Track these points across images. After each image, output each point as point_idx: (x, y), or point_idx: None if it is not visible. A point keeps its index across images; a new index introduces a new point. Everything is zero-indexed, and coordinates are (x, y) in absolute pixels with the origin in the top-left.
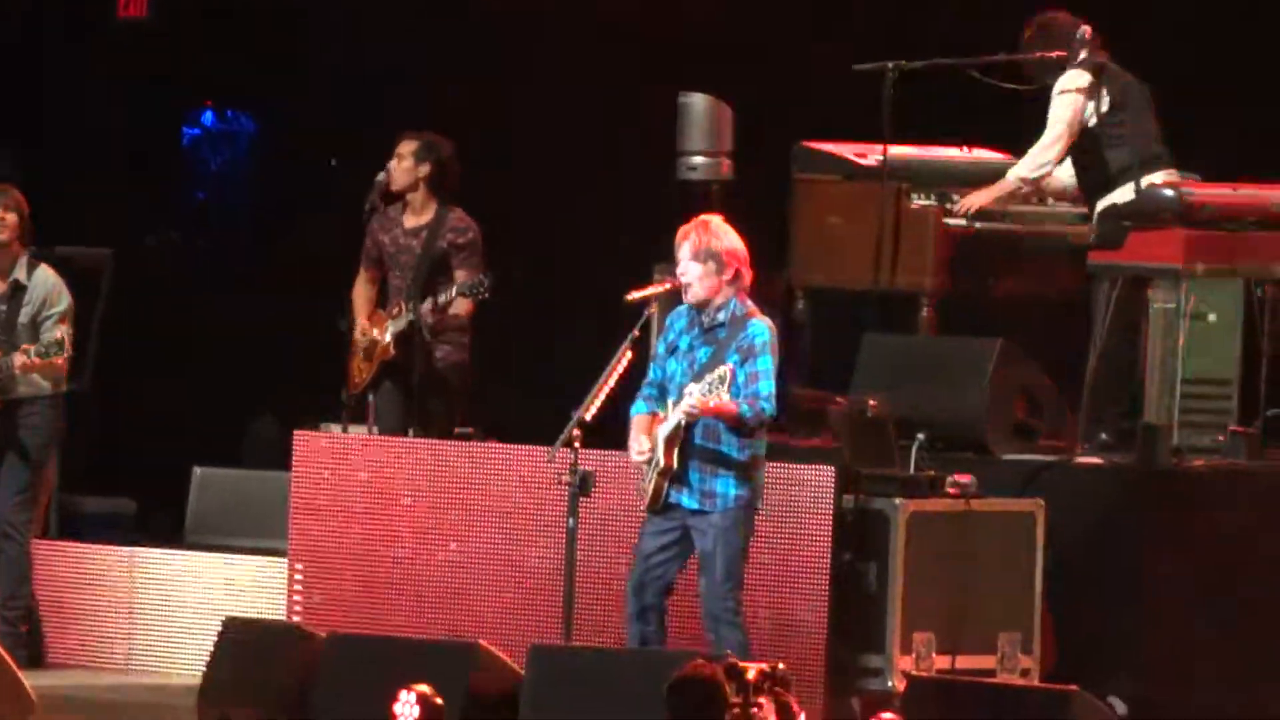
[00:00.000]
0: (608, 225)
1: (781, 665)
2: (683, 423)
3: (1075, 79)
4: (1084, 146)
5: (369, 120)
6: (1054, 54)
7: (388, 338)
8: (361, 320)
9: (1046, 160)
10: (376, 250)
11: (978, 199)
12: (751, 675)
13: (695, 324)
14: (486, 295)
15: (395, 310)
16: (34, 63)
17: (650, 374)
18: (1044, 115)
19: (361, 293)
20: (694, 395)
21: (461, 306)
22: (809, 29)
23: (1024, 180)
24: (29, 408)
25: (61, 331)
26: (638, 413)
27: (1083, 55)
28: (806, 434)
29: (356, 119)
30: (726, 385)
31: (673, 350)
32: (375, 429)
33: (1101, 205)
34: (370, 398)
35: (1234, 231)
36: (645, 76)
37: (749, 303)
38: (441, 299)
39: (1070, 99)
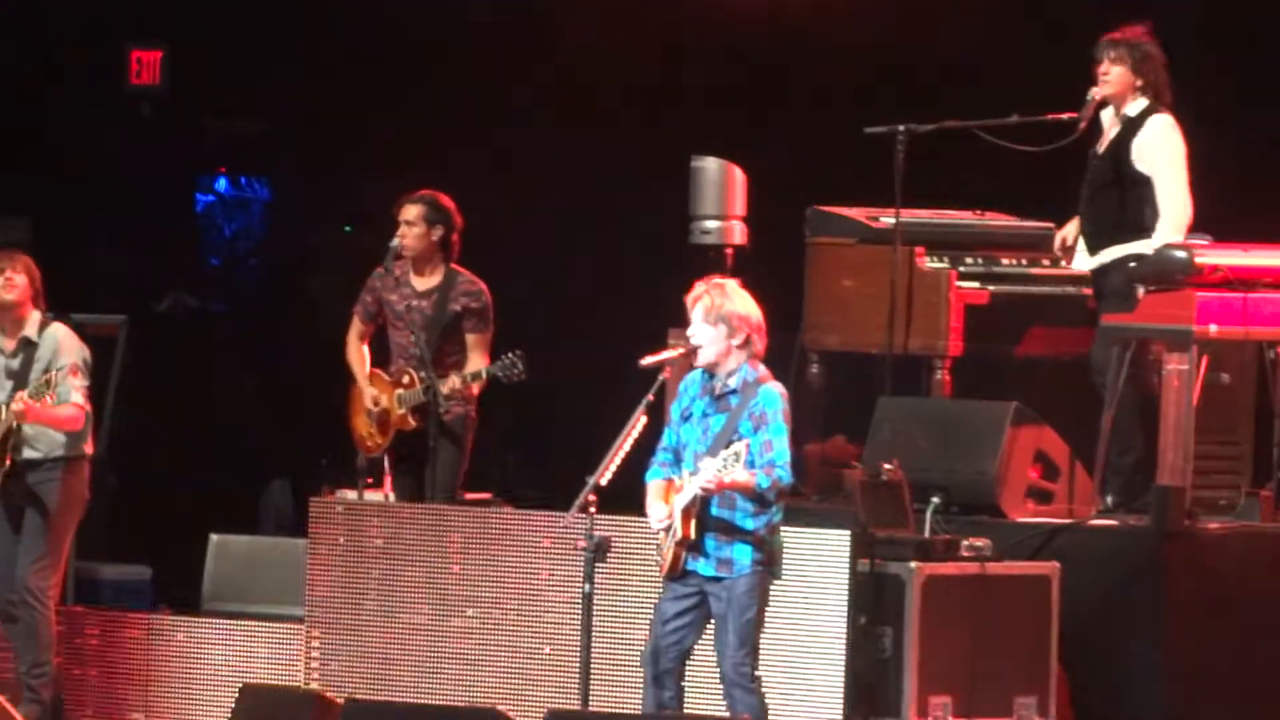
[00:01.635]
0: (622, 290)
1: None
2: (699, 495)
3: (1171, 128)
4: (1117, 187)
5: (383, 185)
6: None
7: (403, 408)
8: (364, 384)
9: (1185, 217)
10: (377, 306)
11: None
12: None
13: (708, 391)
14: (523, 377)
15: (406, 380)
16: (48, 131)
17: (664, 439)
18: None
19: (356, 349)
20: (709, 471)
21: (470, 389)
22: (821, 91)
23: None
24: (43, 470)
25: (58, 375)
26: (653, 479)
27: (1147, 101)
28: (822, 498)
29: (370, 184)
30: (741, 461)
31: (686, 416)
32: (392, 496)
33: (1109, 256)
34: (386, 467)
35: (1246, 294)
36: (660, 139)
37: (761, 368)
38: (469, 375)
39: (1177, 149)
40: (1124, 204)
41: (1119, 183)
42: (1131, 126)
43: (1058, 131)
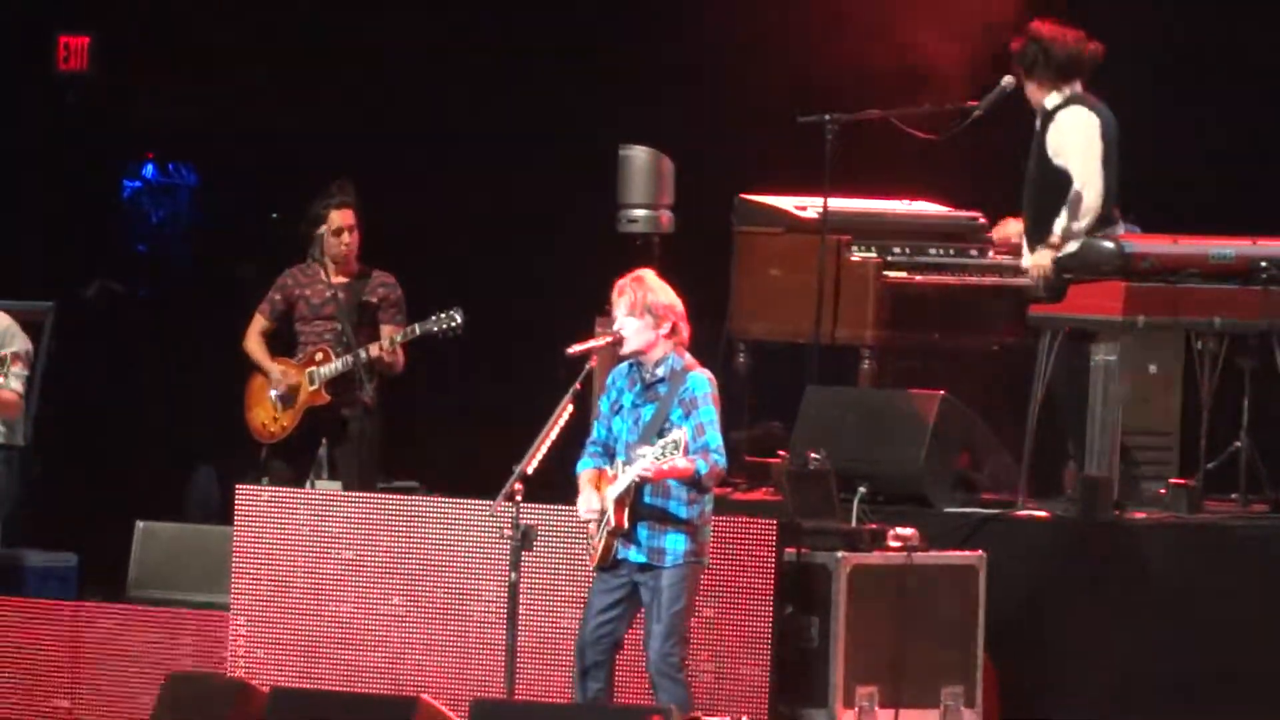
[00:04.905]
0: (549, 278)
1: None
2: (635, 484)
3: (1082, 115)
4: (1051, 191)
5: (309, 173)
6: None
7: (315, 385)
8: (270, 366)
9: (1094, 202)
10: (285, 304)
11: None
12: None
13: (637, 381)
14: (459, 332)
15: (320, 356)
16: None
17: (594, 433)
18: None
19: (256, 341)
20: (647, 459)
21: (398, 355)
22: (752, 81)
23: (1071, 231)
24: None
25: (9, 356)
26: (584, 468)
27: (1073, 90)
28: (748, 487)
29: (297, 172)
30: (682, 451)
31: (617, 409)
32: (321, 480)
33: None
34: (322, 451)
35: (1174, 284)
36: (588, 128)
37: (688, 356)
38: (397, 337)
39: (1088, 134)
40: (1048, 201)
41: (1040, 183)
42: (1045, 123)
43: (961, 118)
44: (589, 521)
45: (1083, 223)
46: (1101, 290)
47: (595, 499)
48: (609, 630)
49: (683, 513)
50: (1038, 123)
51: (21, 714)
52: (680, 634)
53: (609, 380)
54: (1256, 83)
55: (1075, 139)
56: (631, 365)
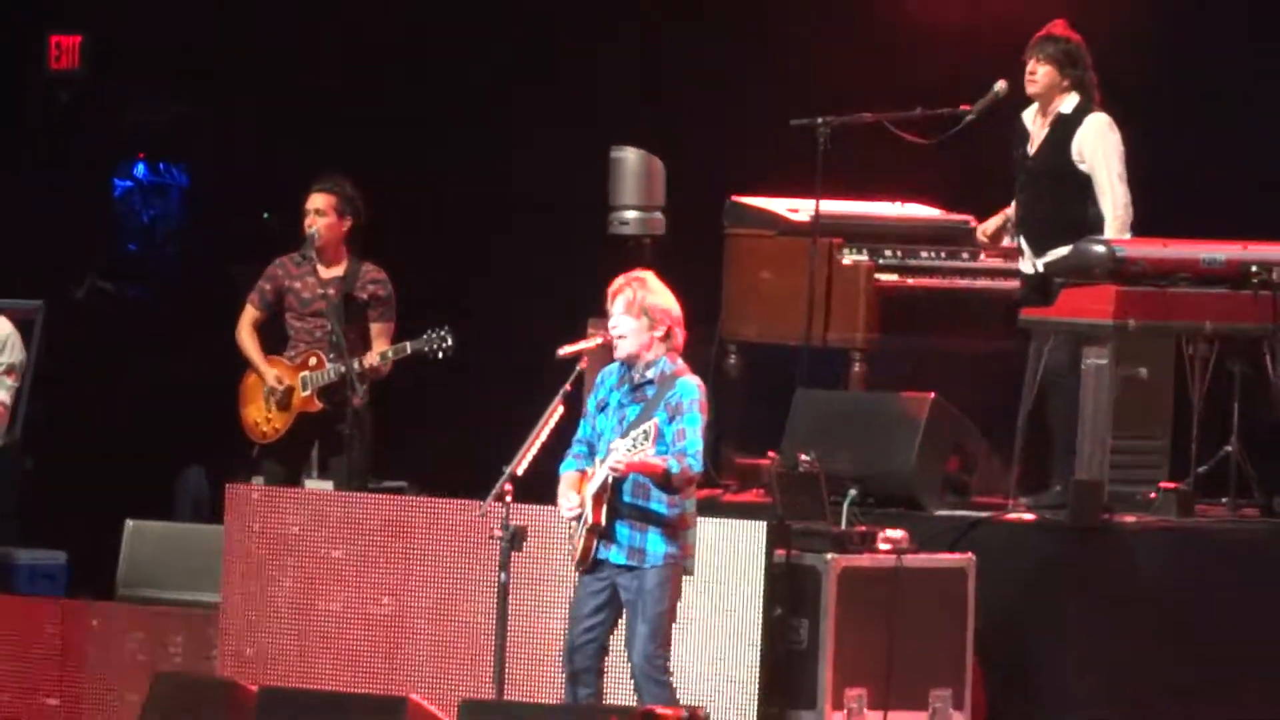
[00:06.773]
0: (540, 279)
1: (702, 707)
2: (609, 479)
3: (1109, 126)
4: (1056, 187)
5: (301, 173)
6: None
7: (308, 390)
8: (264, 366)
9: (1129, 215)
10: (275, 295)
11: None
12: None
13: (625, 381)
14: (451, 351)
15: (314, 361)
16: None
17: (580, 431)
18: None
19: (250, 335)
20: (619, 451)
21: (388, 365)
22: (742, 82)
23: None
24: None
25: None
26: (567, 470)
27: (1079, 98)
28: (738, 489)
29: (288, 172)
30: (651, 440)
31: (603, 407)
32: (311, 480)
33: (1058, 256)
34: (313, 451)
35: (1165, 288)
36: (578, 129)
37: (679, 361)
38: (388, 351)
39: (1117, 147)
40: (1065, 203)
41: (1058, 182)
42: (1067, 125)
43: (953, 123)
44: (571, 523)
45: (1126, 236)
46: (1093, 294)
47: (575, 498)
48: (594, 636)
49: (663, 511)
50: (1041, 119)
51: (10, 712)
52: (664, 636)
53: (598, 379)
54: (1248, 86)
55: (1113, 155)
56: (622, 365)
